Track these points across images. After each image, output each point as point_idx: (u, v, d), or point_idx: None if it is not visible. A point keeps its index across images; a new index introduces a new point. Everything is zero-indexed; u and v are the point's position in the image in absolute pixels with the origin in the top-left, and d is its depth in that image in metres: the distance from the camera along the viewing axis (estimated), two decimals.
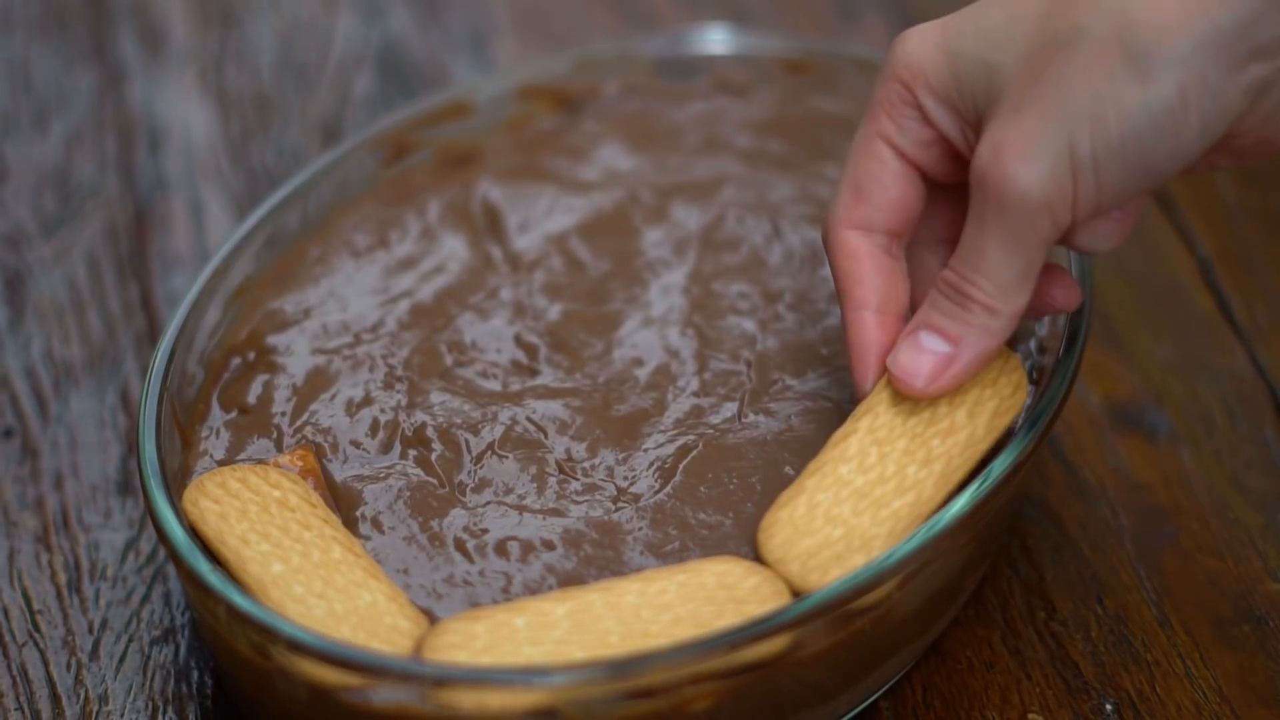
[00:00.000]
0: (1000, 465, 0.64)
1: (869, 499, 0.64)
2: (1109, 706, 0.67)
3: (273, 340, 0.73)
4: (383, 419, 0.70)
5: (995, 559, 0.71)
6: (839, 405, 0.69)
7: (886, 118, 0.62)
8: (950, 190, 0.65)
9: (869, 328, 0.64)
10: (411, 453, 0.69)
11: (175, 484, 0.66)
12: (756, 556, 0.64)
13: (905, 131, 0.62)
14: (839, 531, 0.63)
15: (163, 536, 0.64)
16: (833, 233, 0.64)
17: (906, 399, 0.64)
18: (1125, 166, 0.59)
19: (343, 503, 0.67)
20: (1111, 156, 0.58)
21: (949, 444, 0.64)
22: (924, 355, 0.63)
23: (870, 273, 0.64)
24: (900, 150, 0.63)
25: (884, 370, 0.64)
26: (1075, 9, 0.59)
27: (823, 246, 0.66)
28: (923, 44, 0.62)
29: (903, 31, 0.63)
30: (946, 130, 0.62)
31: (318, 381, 0.71)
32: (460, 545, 0.66)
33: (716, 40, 0.83)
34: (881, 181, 0.63)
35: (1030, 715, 0.67)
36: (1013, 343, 0.71)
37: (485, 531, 0.66)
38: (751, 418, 0.69)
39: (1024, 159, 0.58)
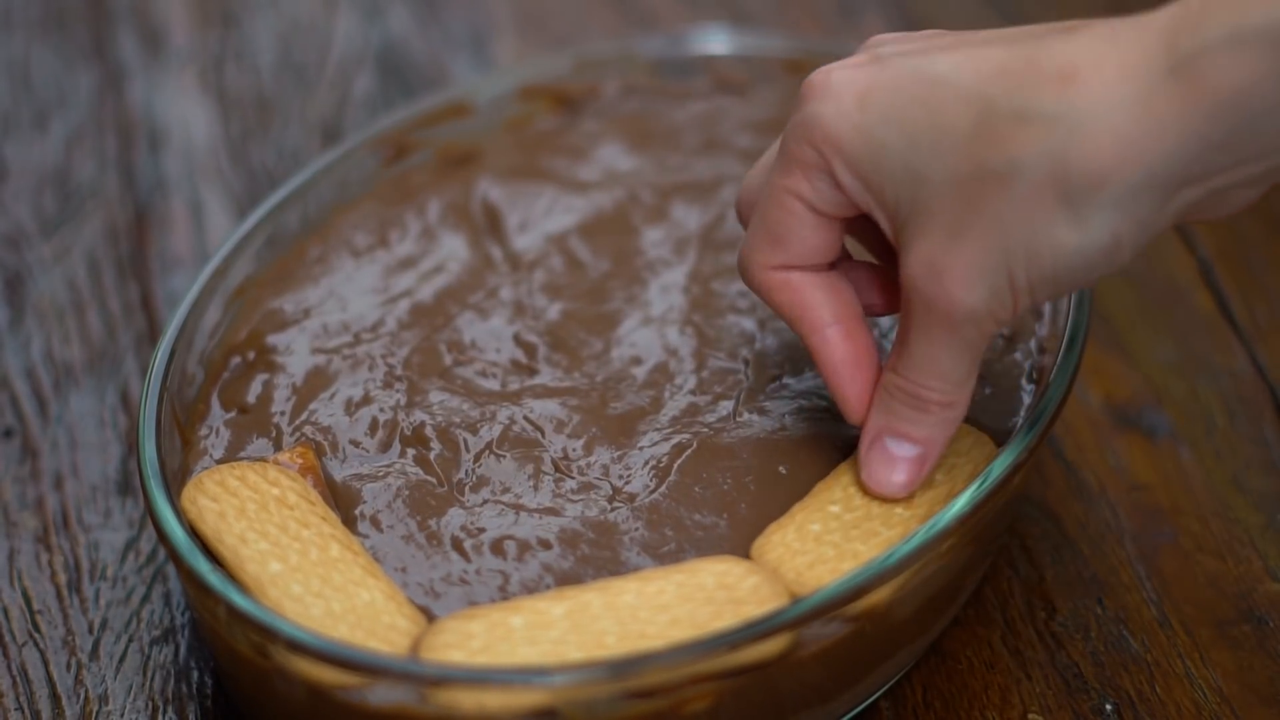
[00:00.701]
0: (1000, 465, 0.64)
1: (859, 529, 0.64)
2: (1109, 706, 0.67)
3: (272, 340, 0.73)
4: (382, 418, 0.70)
5: (995, 559, 0.71)
6: (834, 405, 0.69)
7: (800, 176, 0.62)
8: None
9: (836, 343, 0.64)
10: (410, 452, 0.69)
11: (175, 484, 0.66)
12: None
13: (818, 192, 0.62)
14: (832, 551, 0.63)
15: (162, 536, 0.64)
16: (757, 276, 0.64)
17: None
18: (1059, 288, 0.60)
19: (341, 501, 0.67)
20: (1045, 283, 0.60)
21: (930, 495, 0.65)
22: (898, 463, 0.64)
23: (814, 297, 0.64)
24: (813, 206, 0.63)
25: (870, 382, 0.64)
26: (1009, 141, 0.58)
27: (749, 286, 0.65)
28: (841, 117, 0.61)
29: (811, 81, 0.62)
30: (857, 199, 0.62)
31: (317, 381, 0.71)
32: (458, 544, 0.66)
33: (716, 40, 0.83)
34: (799, 233, 0.63)
35: (1030, 715, 0.67)
36: (1013, 342, 0.71)
37: (483, 530, 0.66)
38: (746, 416, 0.69)
39: (967, 286, 0.60)
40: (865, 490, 0.65)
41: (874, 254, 0.67)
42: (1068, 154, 0.58)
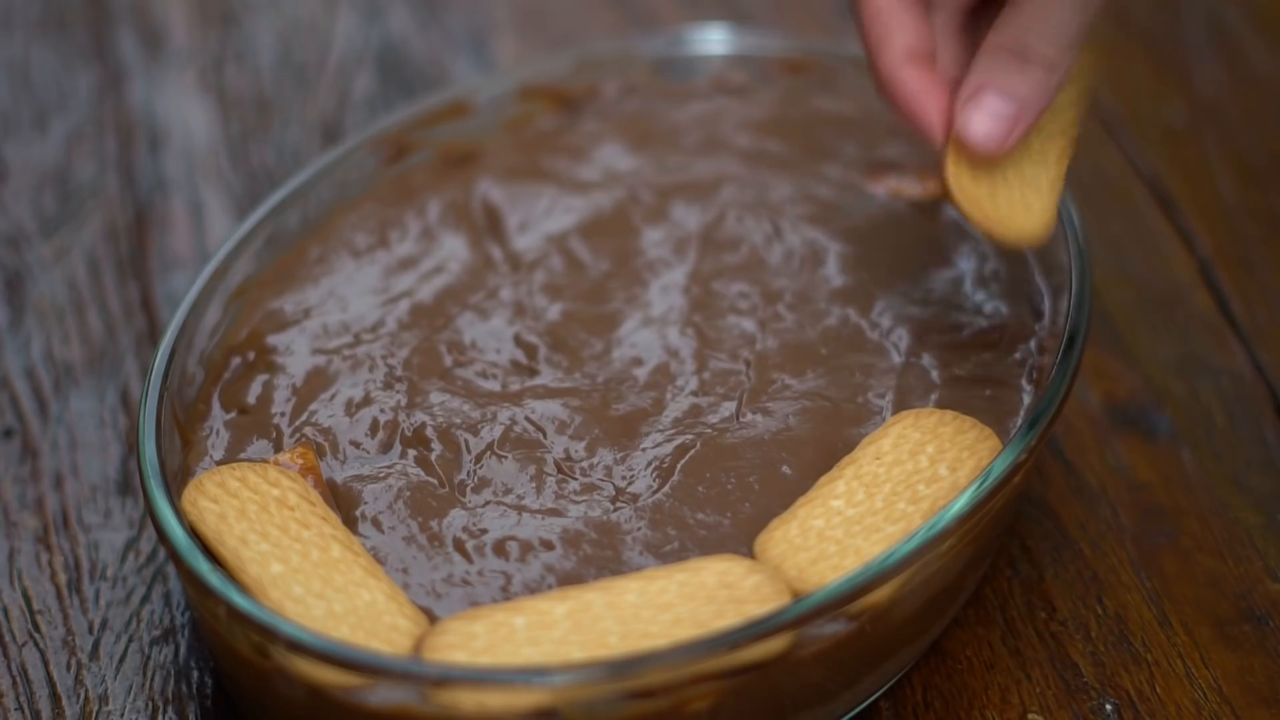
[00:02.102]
0: (1000, 465, 0.64)
1: (861, 525, 0.64)
2: (1109, 706, 0.67)
3: (273, 340, 0.73)
4: (382, 419, 0.70)
5: (995, 559, 0.71)
6: (837, 405, 0.69)
7: None
8: None
9: (912, 78, 0.64)
10: (411, 452, 0.69)
11: (175, 484, 0.66)
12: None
13: None
14: (834, 548, 0.63)
15: (163, 536, 0.64)
16: None
17: (887, 453, 0.66)
18: None
19: (342, 502, 0.67)
20: None
21: (934, 489, 0.65)
22: (994, 118, 0.64)
23: (902, 21, 0.64)
24: None
25: (949, 112, 0.64)
26: None
27: (850, 9, 0.66)
28: None
29: None
30: None
31: (317, 381, 0.71)
32: (459, 545, 0.66)
33: (716, 40, 0.83)
34: None
35: (1030, 715, 0.67)
36: (1013, 342, 0.71)
37: (484, 531, 0.66)
38: (749, 417, 0.69)
39: None
40: (959, 143, 0.64)
41: None
42: None
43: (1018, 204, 0.66)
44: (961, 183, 0.66)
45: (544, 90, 0.82)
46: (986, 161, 0.65)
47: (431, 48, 0.95)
